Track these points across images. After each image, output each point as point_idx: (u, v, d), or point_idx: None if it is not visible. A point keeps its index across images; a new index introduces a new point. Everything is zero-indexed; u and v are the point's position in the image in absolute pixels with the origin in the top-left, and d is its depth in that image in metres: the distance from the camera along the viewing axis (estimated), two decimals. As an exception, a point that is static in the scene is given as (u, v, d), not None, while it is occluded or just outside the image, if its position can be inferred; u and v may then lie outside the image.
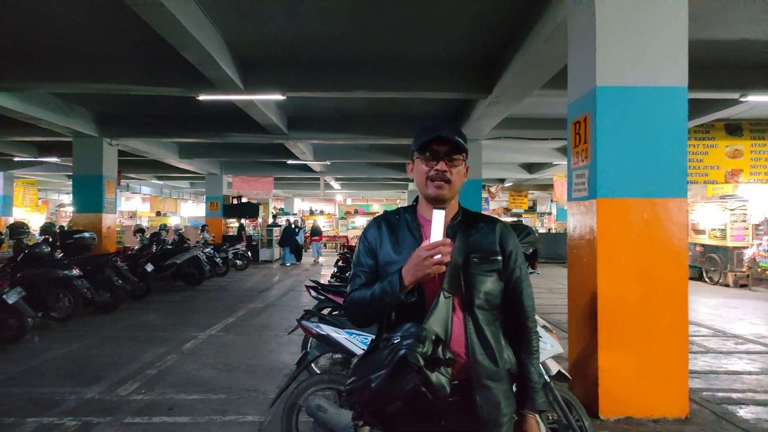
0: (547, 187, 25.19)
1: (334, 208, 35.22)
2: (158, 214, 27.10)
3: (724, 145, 11.39)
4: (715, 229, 12.99)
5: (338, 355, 5.46)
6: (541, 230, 26.60)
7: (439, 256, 1.53)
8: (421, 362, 1.46)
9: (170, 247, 12.00)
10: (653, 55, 4.17)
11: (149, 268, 10.37)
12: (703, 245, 13.30)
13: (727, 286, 12.30)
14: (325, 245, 27.18)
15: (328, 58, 7.83)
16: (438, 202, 1.72)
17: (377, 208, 33.06)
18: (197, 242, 13.88)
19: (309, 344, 4.65)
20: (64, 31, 6.83)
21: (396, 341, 1.53)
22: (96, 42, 7.22)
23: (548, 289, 11.42)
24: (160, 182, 27.97)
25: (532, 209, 29.52)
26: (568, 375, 3.50)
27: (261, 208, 21.40)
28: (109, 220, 12.45)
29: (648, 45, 4.17)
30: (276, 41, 7.19)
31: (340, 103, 10.56)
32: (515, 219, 23.12)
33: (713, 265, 12.89)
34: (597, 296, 4.13)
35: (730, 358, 5.95)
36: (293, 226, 19.51)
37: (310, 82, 8.15)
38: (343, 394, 3.35)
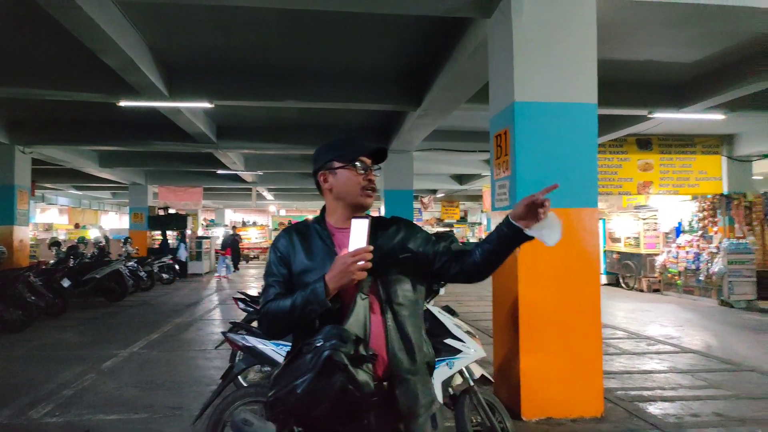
0: (478, 197, 25.98)
1: (267, 220, 34.63)
2: (77, 226, 25.60)
3: (636, 158, 12.20)
4: (630, 238, 13.86)
5: (267, 368, 5.36)
6: (473, 239, 27.35)
7: (362, 262, 1.59)
8: (346, 361, 1.49)
9: (89, 260, 11.38)
10: (566, 73, 4.44)
11: (66, 283, 9.79)
12: (619, 253, 14.14)
13: (641, 291, 13.13)
14: (257, 257, 26.66)
15: (258, 66, 7.75)
16: (362, 211, 1.82)
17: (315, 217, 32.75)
18: (119, 255, 13.23)
19: (237, 358, 4.56)
20: (-30, 31, 6.39)
21: (319, 344, 1.55)
22: (8, 44, 6.79)
23: (478, 296, 11.74)
24: (79, 192, 26.48)
25: (463, 219, 30.30)
26: (491, 378, 3.62)
27: (190, 219, 20.71)
28: (21, 232, 11.65)
29: (561, 64, 4.43)
30: (203, 48, 7.05)
31: (272, 113, 10.45)
32: (447, 229, 23.63)
33: (629, 271, 13.73)
34: (518, 302, 4.31)
35: (643, 359, 6.35)
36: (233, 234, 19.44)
37: (239, 90, 8.03)
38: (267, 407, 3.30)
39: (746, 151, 12.04)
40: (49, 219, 30.73)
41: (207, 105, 8.11)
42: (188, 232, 19.78)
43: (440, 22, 6.16)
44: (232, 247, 18.75)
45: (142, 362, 6.24)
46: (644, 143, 12.20)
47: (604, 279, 14.46)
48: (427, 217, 29.29)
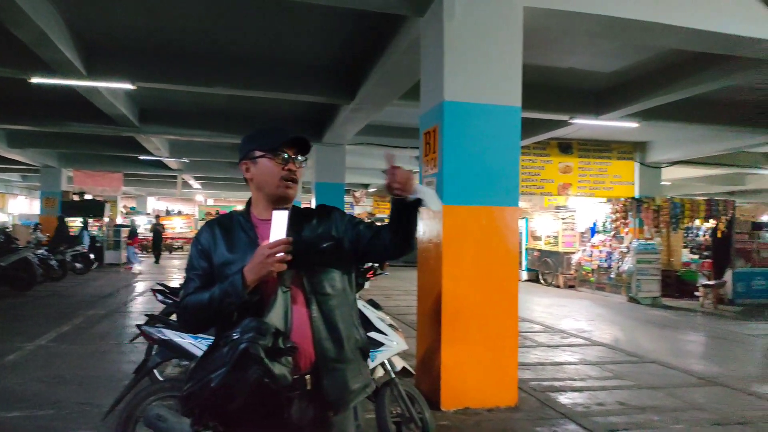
0: (408, 193, 26.28)
1: (194, 209, 33.45)
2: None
3: (557, 161, 12.80)
4: (549, 236, 14.54)
5: (185, 362, 5.20)
6: (402, 235, 27.62)
7: (281, 254, 1.58)
8: (263, 354, 1.48)
9: (-7, 247, 10.54)
10: (493, 76, 4.58)
11: (-36, 271, 9.02)
12: (539, 250, 14.81)
13: (558, 287, 13.82)
14: (182, 248, 25.73)
15: (186, 49, 7.45)
16: (284, 202, 1.79)
17: (240, 209, 32.00)
18: (28, 243, 12.35)
19: (153, 351, 4.38)
20: None
21: (236, 337, 1.53)
22: None
23: (405, 291, 11.92)
24: (-16, 174, 24.44)
25: (394, 214, 30.60)
26: (412, 371, 3.70)
27: (108, 206, 19.65)
28: None
29: (489, 66, 4.57)
30: (126, 27, 6.69)
31: (201, 98, 10.08)
32: (378, 223, 23.80)
33: (547, 268, 14.41)
34: (442, 296, 4.42)
35: (556, 351, 6.70)
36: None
37: (165, 73, 7.69)
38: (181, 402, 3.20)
39: (656, 159, 12.95)
40: (-54, 201, 28.16)
41: (129, 86, 7.71)
42: (106, 219, 18.74)
43: (376, 17, 6.17)
44: (154, 237, 18.04)
45: (50, 356, 5.87)
46: (565, 147, 12.82)
47: (524, 275, 15.11)
48: (359, 212, 29.32)
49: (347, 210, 25.17)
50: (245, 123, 11.47)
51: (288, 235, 1.64)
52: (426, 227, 4.81)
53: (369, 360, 1.82)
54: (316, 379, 1.65)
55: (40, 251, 11.72)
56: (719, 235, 11.73)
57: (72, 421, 4.02)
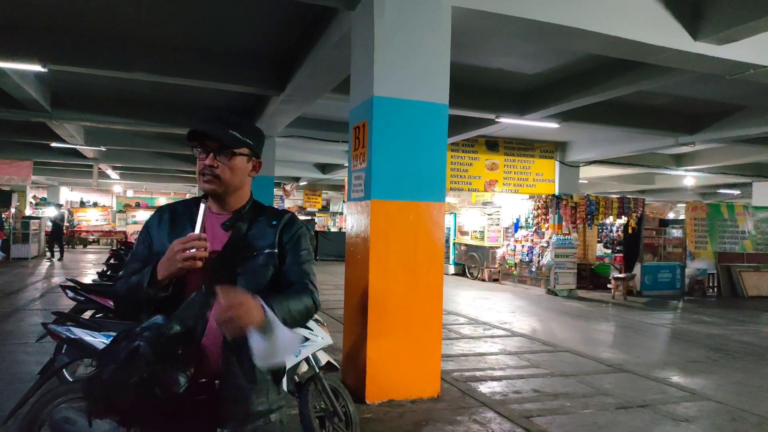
0: (340, 187, 26.26)
1: (111, 200, 31.74)
2: None
3: (484, 158, 13.21)
4: (476, 231, 14.99)
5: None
6: (333, 229, 27.62)
7: (193, 250, 1.50)
8: (153, 357, 1.41)
9: None
10: (421, 73, 4.65)
11: None
12: (466, 245, 15.24)
13: (483, 280, 14.29)
14: (98, 241, 24.38)
15: (104, 32, 7.05)
16: (214, 197, 1.72)
17: (163, 202, 30.70)
18: None
19: (62, 351, 4.13)
20: None
21: (136, 331, 1.47)
22: None
23: (335, 285, 11.90)
24: None
25: (325, 209, 30.47)
26: (337, 365, 3.70)
27: (15, 196, 18.25)
28: None
29: (417, 63, 4.63)
30: (36, 4, 6.23)
31: (121, 84, 9.56)
32: (308, 218, 23.59)
33: (474, 262, 14.86)
34: (368, 290, 4.45)
35: (479, 342, 6.92)
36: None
37: (80, 55, 7.23)
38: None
39: (575, 158, 13.66)
40: None
41: (39, 68, 7.17)
42: (12, 210, 17.42)
43: (307, 8, 6.09)
44: (52, 229, 16.68)
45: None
46: (492, 145, 13.25)
47: (452, 269, 15.50)
48: (289, 205, 28.98)
49: (277, 204, 24.79)
50: (170, 111, 11.02)
51: (225, 230, 1.63)
52: (354, 221, 4.82)
53: (282, 386, 1.77)
54: (217, 389, 1.59)
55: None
56: (630, 231, 12.56)
57: (-32, 427, 3.71)
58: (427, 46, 4.66)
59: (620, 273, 12.42)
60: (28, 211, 20.11)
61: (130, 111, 10.90)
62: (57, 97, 10.27)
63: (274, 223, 1.74)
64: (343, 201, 29.78)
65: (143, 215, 26.12)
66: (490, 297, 11.36)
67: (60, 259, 16.80)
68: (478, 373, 5.41)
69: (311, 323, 3.41)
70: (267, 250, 1.69)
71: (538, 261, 12.49)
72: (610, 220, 13.05)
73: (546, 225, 12.76)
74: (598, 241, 15.38)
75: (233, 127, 1.67)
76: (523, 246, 13.22)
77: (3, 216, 16.31)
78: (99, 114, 10.82)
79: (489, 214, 14.67)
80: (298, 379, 3.39)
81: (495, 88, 9.19)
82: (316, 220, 26.22)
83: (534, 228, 13.11)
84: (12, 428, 2.99)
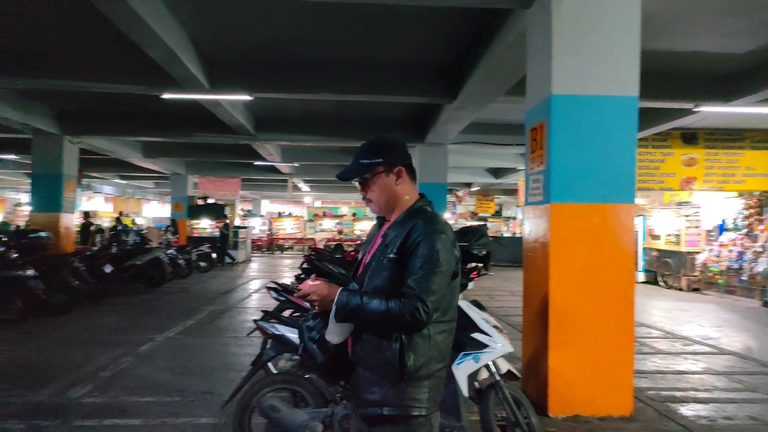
0: (513, 192, 25.61)
1: (303, 211, 35.03)
2: (121, 214, 26.50)
3: (680, 153, 11.81)
4: (670, 235, 13.43)
5: (297, 356, 5.45)
6: (507, 234, 27.01)
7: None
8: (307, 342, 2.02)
9: (130, 247, 11.75)
10: (606, 65, 4.32)
11: (108, 269, 10.14)
12: (658, 250, 13.73)
13: (680, 290, 12.72)
14: (292, 248, 27.05)
15: (295, 59, 7.83)
16: (381, 213, 2.01)
17: (346, 211, 33.02)
18: (159, 243, 13.62)
19: (267, 345, 4.64)
20: (25, 26, 6.66)
21: (308, 326, 2.03)
22: (57, 38, 7.07)
23: (510, 292, 11.60)
24: (124, 182, 27.36)
25: (498, 214, 29.97)
26: (518, 374, 3.58)
27: (228, 209, 21.15)
28: (67, 219, 12.13)
29: (601, 56, 4.32)
30: (243, 41, 7.17)
31: (309, 105, 10.55)
32: (480, 223, 23.42)
33: (667, 269, 13.32)
34: (549, 298, 4.25)
35: (677, 359, 6.17)
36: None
37: (277, 83, 8.14)
38: (298, 394, 3.37)
39: (799, 147, 11.50)
40: (94, 207, 31.87)
41: (246, 97, 8.25)
42: (226, 221, 20.21)
43: (478, 13, 6.09)
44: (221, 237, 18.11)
45: (177, 347, 6.42)
46: (689, 137, 11.79)
47: (641, 277, 14.09)
48: (461, 211, 29.07)
49: (450, 210, 25.04)
50: (350, 127, 11.84)
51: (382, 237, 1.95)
52: (532, 226, 4.65)
53: (419, 389, 1.81)
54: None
55: (169, 251, 12.88)
56: None
57: (195, 408, 4.37)
58: (611, 36, 4.32)
59: None
60: (237, 222, 23.13)
61: (317, 129, 11.96)
62: (259, 121, 11.68)
63: (406, 228, 1.84)
64: (517, 205, 28.98)
65: (329, 223, 28.39)
66: (689, 308, 10.07)
67: (232, 264, 18.25)
68: (677, 393, 4.82)
69: (491, 329, 3.35)
70: (390, 255, 1.82)
71: (751, 268, 10.73)
72: None
73: (760, 226, 10.93)
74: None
75: (363, 156, 1.93)
76: (730, 251, 11.49)
77: (228, 226, 18.70)
78: (292, 133, 12.06)
79: (686, 216, 13.04)
80: (478, 386, 3.36)
81: (692, 74, 8.17)
82: (488, 225, 25.90)
83: (744, 230, 11.32)
84: (229, 412, 3.44)
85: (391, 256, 1.81)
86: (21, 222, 19.72)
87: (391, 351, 1.76)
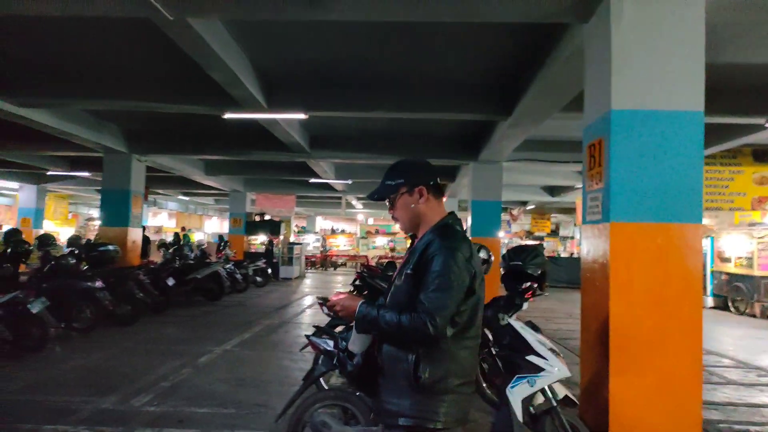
0: (570, 210, 24.92)
1: (356, 228, 35.35)
2: (183, 229, 27.58)
3: (751, 171, 11.16)
4: (741, 258, 12.66)
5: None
6: (564, 254, 26.25)
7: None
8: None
9: (192, 262, 12.19)
10: (669, 79, 4.16)
11: (170, 282, 10.55)
12: (728, 274, 12.96)
13: (753, 316, 11.94)
14: (345, 264, 27.30)
15: (349, 77, 7.97)
16: (409, 231, 2.14)
17: (398, 229, 33.02)
18: (218, 258, 14.07)
19: (319, 361, 4.67)
20: (96, 50, 7.11)
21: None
22: (126, 61, 7.49)
23: (567, 314, 11.25)
24: (186, 198, 28.52)
25: (554, 233, 29.21)
26: (576, 400, 3.45)
27: (283, 225, 21.62)
28: (133, 234, 12.72)
29: (664, 69, 4.16)
30: (299, 61, 7.37)
31: (363, 123, 10.70)
32: (535, 242, 22.88)
33: (739, 294, 12.54)
34: (609, 321, 4.07)
35: (752, 391, 5.77)
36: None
37: (332, 101, 8.30)
38: (349, 411, 3.37)
39: None
40: (159, 222, 33.38)
41: (302, 116, 8.45)
42: (281, 237, 20.66)
43: (534, 29, 6.02)
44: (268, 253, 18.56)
45: (234, 360, 6.57)
46: (761, 154, 11.14)
47: (710, 302, 13.33)
48: (516, 230, 28.55)
49: (504, 229, 24.60)
50: (403, 144, 11.89)
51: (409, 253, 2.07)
52: (590, 246, 4.49)
53: (436, 402, 1.86)
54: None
55: (228, 266, 13.28)
56: None
57: (250, 420, 4.44)
58: (674, 49, 4.16)
59: None
60: (292, 238, 23.59)
61: (370, 146, 12.08)
62: (314, 139, 11.93)
63: (425, 245, 1.94)
64: (574, 224, 28.16)
65: (382, 241, 28.50)
66: (764, 337, 9.42)
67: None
68: (752, 428, 4.50)
69: (547, 352, 3.26)
70: (408, 271, 1.94)
71: (836, 295, 9.95)
72: None
73: None
74: None
75: (387, 177, 2.09)
76: (811, 276, 10.70)
77: (273, 242, 19.35)
78: (346, 151, 12.23)
79: (759, 237, 12.27)
80: (533, 411, 3.25)
81: (763, 88, 7.74)
82: (544, 245, 25.26)
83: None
84: (282, 426, 3.47)
85: (408, 271, 1.93)
86: (92, 236, 20.89)
87: (407, 362, 1.85)
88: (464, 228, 2.14)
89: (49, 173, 16.76)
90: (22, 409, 4.62)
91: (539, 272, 3.49)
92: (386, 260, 17.43)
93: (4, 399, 4.88)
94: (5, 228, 16.88)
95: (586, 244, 4.56)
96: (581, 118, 4.89)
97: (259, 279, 16.00)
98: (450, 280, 1.82)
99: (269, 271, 16.82)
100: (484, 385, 4.54)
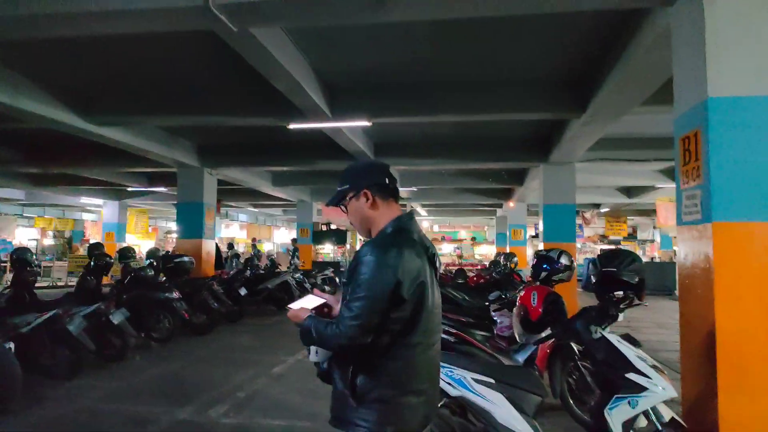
0: (649, 212, 23.54)
1: (422, 235, 34.98)
2: (254, 240, 28.38)
3: None
4: None
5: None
6: (644, 259, 24.80)
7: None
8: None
9: (263, 272, 12.40)
10: (776, 60, 3.71)
11: (243, 291, 10.75)
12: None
13: None
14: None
15: (412, 82, 7.81)
16: (364, 236, 2.12)
17: (464, 235, 32.54)
18: (288, 268, 14.26)
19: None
20: (166, 68, 7.34)
21: None
22: (195, 77, 7.69)
23: (656, 324, 10.50)
24: (256, 210, 29.35)
25: (632, 236, 27.72)
26: (683, 423, 3.07)
27: (349, 234, 21.75)
28: (208, 245, 13.11)
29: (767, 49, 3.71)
30: (361, 67, 7.29)
31: (426, 128, 10.50)
32: (613, 247, 21.75)
33: None
34: (715, 333, 3.64)
35: None
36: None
37: (395, 107, 8.17)
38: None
39: None
40: (231, 234, 34.55)
41: (366, 123, 8.37)
42: (347, 246, 20.76)
43: (609, 16, 5.63)
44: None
45: (306, 370, 6.51)
46: None
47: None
48: (590, 234, 27.31)
49: (577, 233, 23.60)
50: (468, 148, 11.59)
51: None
52: (688, 249, 4.06)
53: (369, 411, 1.89)
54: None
55: (297, 275, 13.42)
56: None
57: (325, 434, 4.31)
58: (781, 27, 3.71)
59: None
60: (357, 247, 23.69)
61: (435, 152, 11.86)
62: (378, 147, 11.85)
63: (358, 252, 1.91)
64: (654, 227, 26.61)
65: (448, 248, 28.09)
66: None
67: None
68: None
69: (649, 369, 2.92)
70: (344, 280, 1.99)
71: None
72: None
73: None
74: None
75: (338, 184, 2.08)
76: None
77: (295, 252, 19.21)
78: (410, 157, 12.07)
79: None
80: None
81: None
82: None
83: None
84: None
85: (344, 280, 1.97)
86: (170, 248, 21.86)
87: (346, 372, 1.92)
88: (416, 231, 1.97)
89: (129, 189, 17.69)
90: (103, 418, 4.72)
91: (637, 279, 3.14)
92: (455, 268, 17.06)
93: (87, 407, 5.02)
94: (91, 242, 17.92)
95: (684, 247, 4.14)
96: (664, 112, 4.51)
97: (327, 288, 16.09)
98: (365, 289, 1.80)
99: (337, 280, 16.90)
100: (572, 402, 4.18)
